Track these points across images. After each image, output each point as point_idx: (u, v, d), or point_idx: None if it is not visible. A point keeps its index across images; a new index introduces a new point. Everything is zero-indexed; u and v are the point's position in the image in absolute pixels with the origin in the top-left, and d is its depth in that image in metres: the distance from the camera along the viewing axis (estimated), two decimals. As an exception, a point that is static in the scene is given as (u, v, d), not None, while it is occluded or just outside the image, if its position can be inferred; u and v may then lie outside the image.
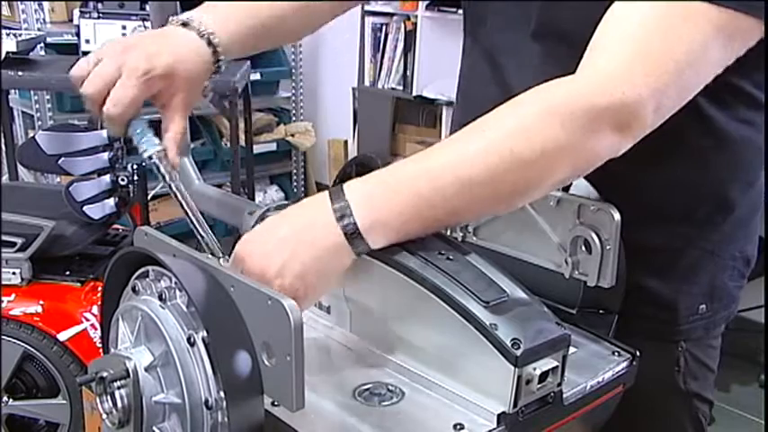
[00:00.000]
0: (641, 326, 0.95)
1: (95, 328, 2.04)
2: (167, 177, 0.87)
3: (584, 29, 0.78)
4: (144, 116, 0.90)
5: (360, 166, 0.76)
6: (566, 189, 0.88)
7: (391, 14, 3.92)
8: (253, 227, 0.91)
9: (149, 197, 2.45)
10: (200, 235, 0.87)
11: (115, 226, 2.35)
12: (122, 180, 2.13)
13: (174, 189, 0.87)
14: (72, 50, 3.17)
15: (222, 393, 0.67)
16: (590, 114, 0.73)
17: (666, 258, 0.95)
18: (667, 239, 0.95)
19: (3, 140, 2.87)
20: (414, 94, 3.80)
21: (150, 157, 0.87)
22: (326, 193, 0.74)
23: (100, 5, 2.81)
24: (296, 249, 0.72)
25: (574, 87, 0.75)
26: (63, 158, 2.08)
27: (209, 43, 0.92)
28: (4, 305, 2.01)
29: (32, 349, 2.05)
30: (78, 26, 2.73)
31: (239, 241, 0.76)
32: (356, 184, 0.74)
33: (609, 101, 0.73)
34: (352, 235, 0.72)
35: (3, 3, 3.43)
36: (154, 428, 0.71)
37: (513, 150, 0.73)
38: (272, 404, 0.71)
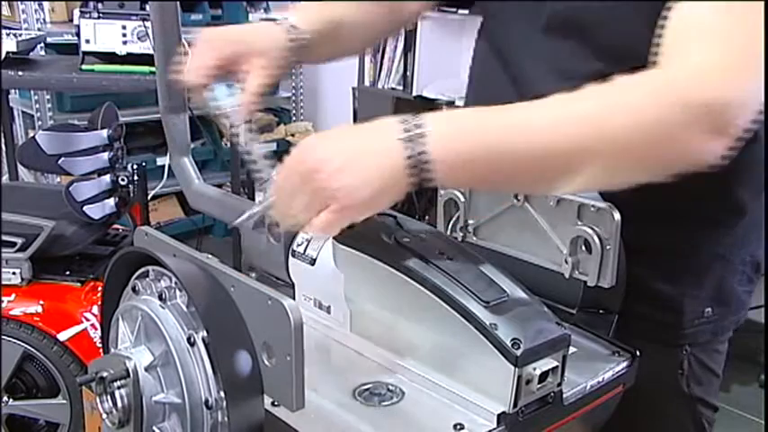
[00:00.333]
0: (646, 328, 0.95)
1: (95, 328, 2.03)
2: (228, 134, 0.91)
3: (598, 23, 0.77)
4: None
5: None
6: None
7: (391, 14, 3.91)
8: (253, 228, 0.92)
9: (149, 197, 2.45)
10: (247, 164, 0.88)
11: (115, 226, 2.34)
12: (122, 180, 2.13)
13: (235, 142, 0.91)
14: (72, 50, 3.16)
15: (222, 393, 0.67)
16: (692, 109, 0.70)
17: (676, 261, 0.95)
18: (678, 242, 0.94)
19: (3, 140, 2.87)
20: (414, 94, 3.79)
21: (224, 112, 0.92)
22: (401, 118, 0.72)
23: (100, 5, 2.80)
24: (355, 161, 0.70)
25: (681, 78, 0.71)
26: (63, 158, 2.08)
27: (283, 25, 0.97)
28: (4, 305, 2.01)
29: (32, 349, 2.04)
30: (78, 26, 2.72)
31: (306, 138, 0.74)
32: (437, 115, 0.72)
33: (708, 98, 0.70)
34: (417, 162, 0.69)
35: (3, 3, 3.42)
36: (154, 428, 0.71)
37: (603, 128, 0.70)
38: (272, 404, 0.71)
